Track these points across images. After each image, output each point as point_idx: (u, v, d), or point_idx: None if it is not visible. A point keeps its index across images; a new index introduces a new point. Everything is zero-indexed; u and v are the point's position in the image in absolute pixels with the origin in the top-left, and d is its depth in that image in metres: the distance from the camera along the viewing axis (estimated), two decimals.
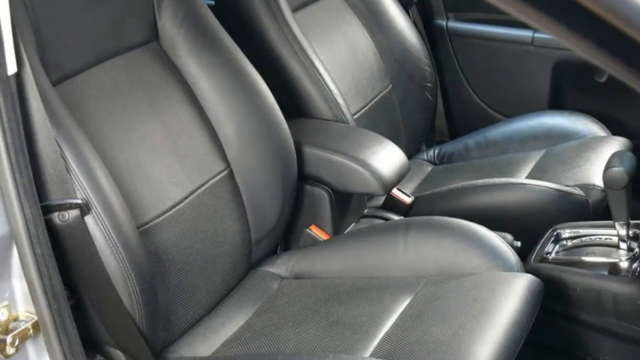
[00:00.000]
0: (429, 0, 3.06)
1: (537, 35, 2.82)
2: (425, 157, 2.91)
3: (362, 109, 2.60)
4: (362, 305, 1.84)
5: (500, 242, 1.89)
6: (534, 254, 1.98)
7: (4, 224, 1.39)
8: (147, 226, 1.79)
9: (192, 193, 1.91)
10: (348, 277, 1.98)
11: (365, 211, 2.42)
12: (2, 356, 1.39)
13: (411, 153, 2.85)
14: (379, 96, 2.68)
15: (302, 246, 2.21)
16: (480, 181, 2.34)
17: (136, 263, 1.61)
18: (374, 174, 2.13)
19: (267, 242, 2.08)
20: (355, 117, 2.51)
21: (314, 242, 2.19)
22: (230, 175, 2.01)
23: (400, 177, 2.19)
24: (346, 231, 2.31)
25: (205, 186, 1.95)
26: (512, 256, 1.85)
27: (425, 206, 2.38)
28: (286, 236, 2.26)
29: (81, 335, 1.49)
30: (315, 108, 2.36)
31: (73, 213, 1.53)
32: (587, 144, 2.50)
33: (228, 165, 2.01)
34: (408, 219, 2.16)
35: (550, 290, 1.84)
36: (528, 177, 2.43)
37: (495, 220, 2.11)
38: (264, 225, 2.05)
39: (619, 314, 1.82)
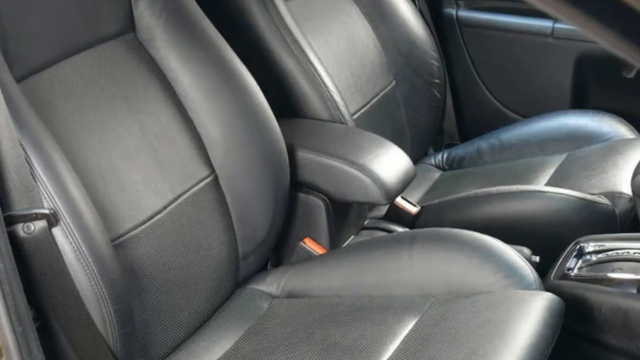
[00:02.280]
0: None
1: (557, 25, 2.83)
2: (432, 161, 2.92)
3: (362, 108, 2.60)
4: (362, 328, 1.84)
5: (517, 256, 1.89)
6: (555, 270, 1.98)
7: None
8: (122, 239, 1.79)
9: (172, 202, 1.91)
10: (346, 296, 1.98)
11: (366, 222, 2.42)
12: None
13: (417, 157, 2.86)
14: (381, 94, 2.69)
15: (295, 261, 2.21)
16: (494, 189, 2.34)
17: (110, 280, 1.61)
18: (376, 180, 2.13)
19: (256, 257, 2.08)
20: (354, 117, 2.51)
21: (309, 257, 2.19)
22: (215, 182, 2.01)
23: (404, 185, 2.19)
24: (344, 245, 2.31)
25: (187, 194, 1.95)
26: (529, 272, 1.85)
27: (432, 217, 2.38)
28: (277, 250, 2.26)
29: None
30: (310, 107, 2.37)
31: (39, 224, 1.53)
32: (614, 147, 2.51)
33: (213, 171, 2.02)
34: (414, 231, 2.16)
35: (572, 310, 1.84)
36: (548, 184, 2.44)
37: (511, 232, 2.11)
38: (253, 238, 2.05)
39: None
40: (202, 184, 1.99)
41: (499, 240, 1.94)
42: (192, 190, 1.96)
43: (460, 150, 2.90)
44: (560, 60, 2.86)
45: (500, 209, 2.29)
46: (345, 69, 2.58)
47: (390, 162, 2.19)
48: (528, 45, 2.91)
